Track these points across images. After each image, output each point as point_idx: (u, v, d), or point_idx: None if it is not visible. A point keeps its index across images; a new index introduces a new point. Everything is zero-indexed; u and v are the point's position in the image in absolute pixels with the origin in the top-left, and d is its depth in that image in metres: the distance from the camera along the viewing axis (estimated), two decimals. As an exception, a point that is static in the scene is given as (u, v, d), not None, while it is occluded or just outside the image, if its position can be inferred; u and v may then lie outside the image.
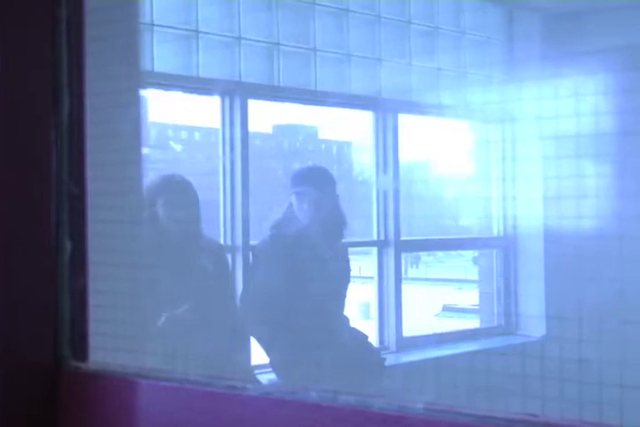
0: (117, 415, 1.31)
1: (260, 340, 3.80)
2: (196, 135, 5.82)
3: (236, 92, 4.20)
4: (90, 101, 1.36)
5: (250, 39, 4.29)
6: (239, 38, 4.25)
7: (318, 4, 4.57)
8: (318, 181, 3.93)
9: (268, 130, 7.39)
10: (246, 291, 3.93)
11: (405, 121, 4.92)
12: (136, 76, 1.41)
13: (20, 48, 1.28)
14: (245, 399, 1.19)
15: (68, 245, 1.32)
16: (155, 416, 1.29)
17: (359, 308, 8.09)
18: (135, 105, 1.39)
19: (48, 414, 1.30)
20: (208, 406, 1.23)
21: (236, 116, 4.20)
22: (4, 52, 1.23)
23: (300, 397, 1.10)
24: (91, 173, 1.36)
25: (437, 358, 4.60)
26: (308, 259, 3.85)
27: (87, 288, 1.35)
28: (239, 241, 4.17)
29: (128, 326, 1.36)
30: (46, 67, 1.28)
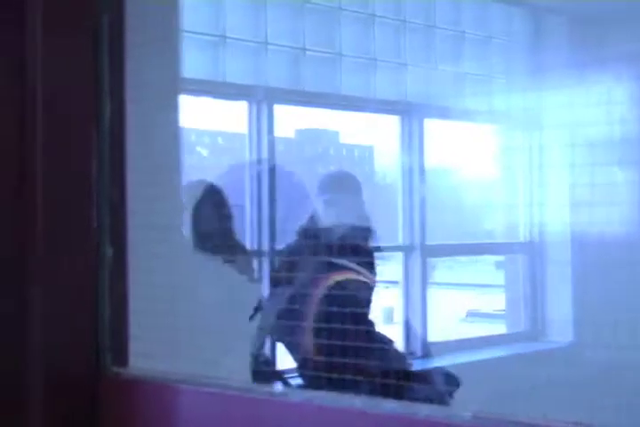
0: (158, 421, 1.31)
1: (285, 344, 3.79)
2: (222, 140, 5.84)
3: (262, 98, 4.21)
4: (129, 107, 1.36)
5: (276, 44, 4.30)
6: (266, 43, 4.26)
7: (344, 10, 4.57)
8: (345, 187, 3.92)
9: (290, 135, 7.39)
10: (272, 295, 3.92)
11: (432, 126, 4.91)
12: (175, 82, 1.42)
13: (62, 55, 1.28)
14: (287, 406, 1.18)
15: (109, 250, 1.33)
16: (195, 422, 1.29)
17: (382, 312, 8.07)
18: (174, 111, 1.40)
19: (90, 419, 1.31)
20: (249, 412, 1.23)
21: (262, 122, 4.21)
22: (47, 58, 1.24)
23: (345, 404, 1.10)
24: (130, 178, 1.36)
25: (465, 364, 4.58)
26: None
27: (128, 294, 1.36)
28: (265, 246, 4.17)
29: (168, 332, 1.37)
30: (88, 73, 1.29)
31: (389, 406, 1.10)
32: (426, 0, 4.88)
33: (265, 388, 1.24)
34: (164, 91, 1.38)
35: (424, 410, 1.05)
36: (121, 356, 1.37)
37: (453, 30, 4.99)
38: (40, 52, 1.24)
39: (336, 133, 7.59)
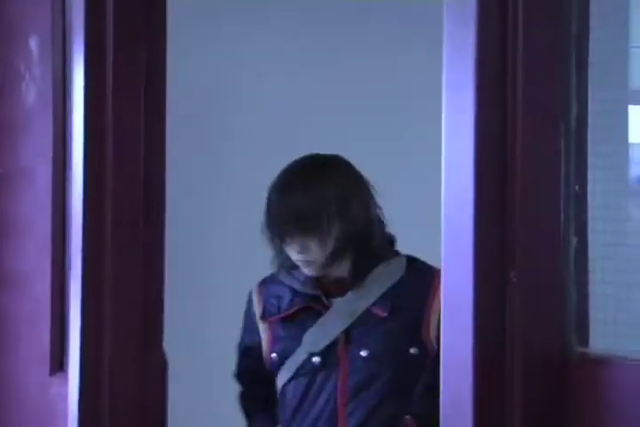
0: (626, 403, 1.39)
1: None
2: None
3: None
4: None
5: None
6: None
7: None
8: None
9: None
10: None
11: None
12: (624, 99, 1.53)
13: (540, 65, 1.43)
14: None
15: (573, 240, 1.47)
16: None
17: None
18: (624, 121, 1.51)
19: (560, 400, 1.43)
20: None
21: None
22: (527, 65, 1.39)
23: None
24: (591, 174, 1.49)
25: None
26: None
27: (588, 281, 1.48)
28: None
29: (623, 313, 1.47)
30: (557, 76, 1.43)
31: None
32: None
33: None
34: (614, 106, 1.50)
35: None
36: (583, 336, 1.49)
37: None
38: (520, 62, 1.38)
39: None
